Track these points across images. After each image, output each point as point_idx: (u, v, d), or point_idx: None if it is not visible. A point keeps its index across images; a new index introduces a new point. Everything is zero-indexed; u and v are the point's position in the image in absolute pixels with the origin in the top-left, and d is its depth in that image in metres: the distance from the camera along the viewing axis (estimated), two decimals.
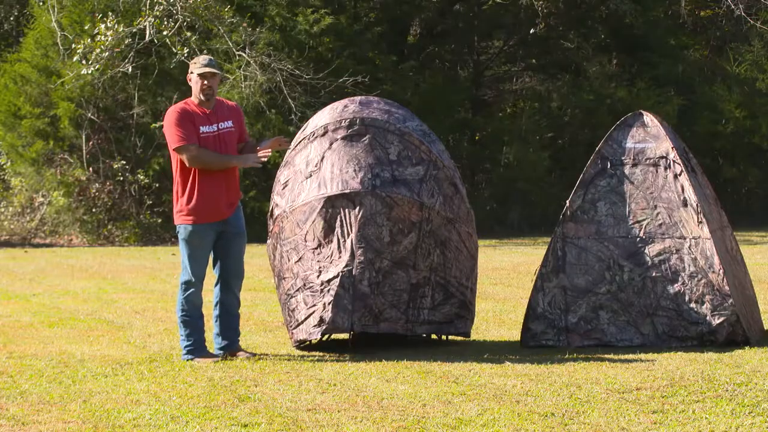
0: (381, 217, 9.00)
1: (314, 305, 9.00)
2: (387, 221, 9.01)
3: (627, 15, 27.47)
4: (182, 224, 8.88)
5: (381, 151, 9.14)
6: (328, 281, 8.95)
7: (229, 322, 9.07)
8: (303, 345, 9.45)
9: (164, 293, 13.85)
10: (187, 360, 8.81)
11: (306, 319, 9.05)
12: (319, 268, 9.01)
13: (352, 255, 8.95)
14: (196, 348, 8.88)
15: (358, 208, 8.97)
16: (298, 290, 9.10)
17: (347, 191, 8.97)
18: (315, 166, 9.18)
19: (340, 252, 8.99)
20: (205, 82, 8.84)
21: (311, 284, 9.02)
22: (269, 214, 9.52)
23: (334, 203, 8.99)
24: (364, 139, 9.18)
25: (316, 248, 9.05)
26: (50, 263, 18.71)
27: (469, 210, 9.48)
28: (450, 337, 9.72)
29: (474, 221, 9.61)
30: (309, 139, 9.31)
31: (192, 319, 8.90)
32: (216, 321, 9.07)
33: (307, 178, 9.19)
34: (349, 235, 8.97)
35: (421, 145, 9.26)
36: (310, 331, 9.03)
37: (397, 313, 9.05)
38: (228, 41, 23.18)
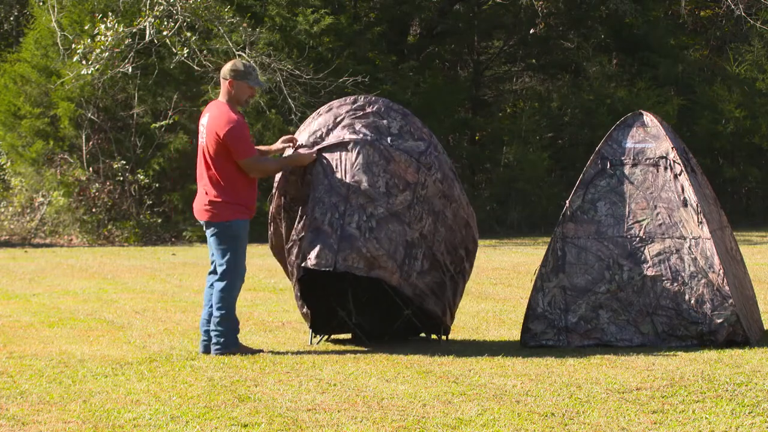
0: (377, 168, 9.10)
1: (302, 237, 9.06)
2: (383, 173, 9.11)
3: (627, 15, 27.45)
4: (238, 219, 9.09)
5: (384, 124, 9.28)
6: (318, 219, 8.99)
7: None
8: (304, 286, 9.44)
9: (164, 293, 13.85)
10: (222, 353, 8.99)
11: (297, 251, 9.11)
12: (314, 206, 9.06)
13: (345, 198, 9.00)
14: (233, 342, 9.12)
15: (354, 154, 9.08)
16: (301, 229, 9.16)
17: (345, 140, 9.13)
18: (319, 137, 9.30)
19: (331, 194, 9.04)
20: (252, 94, 9.25)
21: (308, 220, 9.12)
22: (271, 196, 9.54)
23: (332, 150, 9.12)
24: (368, 110, 9.32)
25: (315, 190, 9.11)
26: (50, 263, 18.71)
27: (469, 206, 9.54)
28: (447, 336, 9.76)
29: (475, 219, 9.63)
30: (314, 117, 9.48)
31: (234, 315, 9.18)
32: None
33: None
34: (342, 179, 9.05)
35: (424, 128, 9.42)
36: (295, 272, 9.16)
37: (393, 264, 9.07)
38: (228, 41, 23.18)
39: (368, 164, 9.09)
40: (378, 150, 9.13)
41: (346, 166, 9.10)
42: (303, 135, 9.40)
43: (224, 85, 9.19)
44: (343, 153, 9.13)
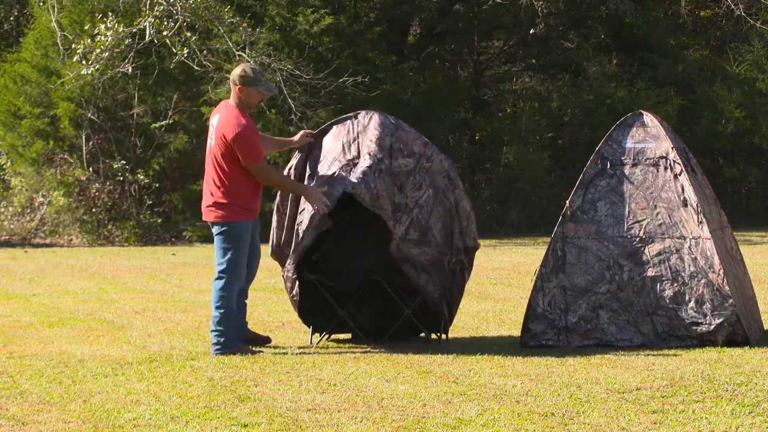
0: (387, 129, 9.38)
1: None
2: (391, 136, 9.38)
3: (627, 15, 27.44)
4: (241, 221, 9.18)
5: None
6: (335, 172, 9.27)
7: (242, 304, 9.57)
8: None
9: (164, 293, 13.85)
10: (222, 353, 9.02)
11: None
12: (328, 165, 9.33)
13: (358, 153, 9.31)
14: (233, 341, 9.14)
15: (366, 120, 9.45)
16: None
17: (357, 113, 9.57)
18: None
19: (343, 153, 9.35)
20: (263, 99, 9.38)
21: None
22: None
23: (342, 121, 9.52)
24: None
25: (330, 154, 9.39)
26: (50, 263, 18.70)
27: (472, 210, 9.61)
28: (444, 335, 9.77)
29: (474, 220, 9.67)
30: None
31: (233, 314, 9.22)
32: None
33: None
34: (355, 139, 9.35)
35: (431, 144, 9.70)
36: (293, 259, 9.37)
37: (390, 209, 9.25)
38: (228, 41, 23.16)
39: (377, 125, 9.39)
40: (387, 119, 9.48)
41: (357, 128, 9.44)
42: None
43: (233, 91, 9.30)
44: (354, 120, 9.51)
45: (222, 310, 9.12)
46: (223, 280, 9.18)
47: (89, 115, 24.81)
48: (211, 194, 9.23)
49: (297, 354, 9.15)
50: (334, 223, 9.49)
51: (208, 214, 9.27)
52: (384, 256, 9.61)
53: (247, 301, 9.69)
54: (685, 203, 9.28)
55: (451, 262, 9.49)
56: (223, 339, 9.09)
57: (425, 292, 9.37)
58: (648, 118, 9.57)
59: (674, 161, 9.37)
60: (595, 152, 9.53)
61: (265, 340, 9.62)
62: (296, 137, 9.65)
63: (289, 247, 9.48)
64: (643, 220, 9.33)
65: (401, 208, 9.33)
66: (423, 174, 9.41)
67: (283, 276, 9.66)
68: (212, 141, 9.25)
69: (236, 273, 9.21)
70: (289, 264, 9.45)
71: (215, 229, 9.24)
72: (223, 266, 9.18)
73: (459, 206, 9.52)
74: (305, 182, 9.37)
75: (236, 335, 9.22)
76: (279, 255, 9.67)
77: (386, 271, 9.68)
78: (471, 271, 9.78)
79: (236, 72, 9.29)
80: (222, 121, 9.20)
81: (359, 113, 9.53)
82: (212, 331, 9.16)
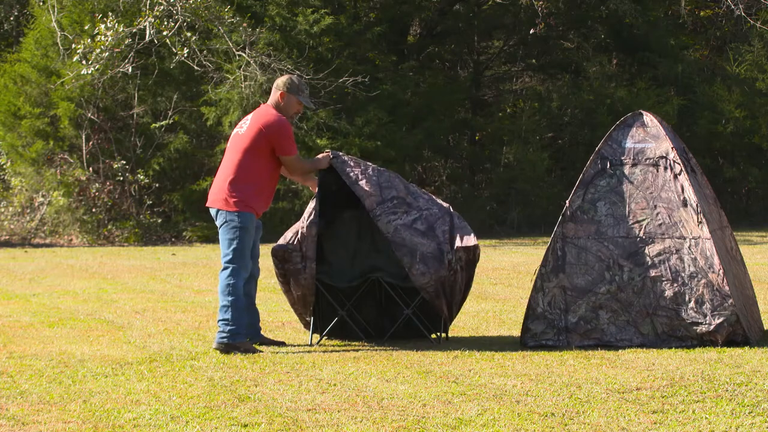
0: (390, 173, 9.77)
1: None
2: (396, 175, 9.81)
3: (627, 15, 27.44)
4: (245, 212, 9.30)
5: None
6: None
7: (254, 311, 9.62)
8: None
9: (164, 293, 13.86)
10: (228, 342, 9.12)
11: None
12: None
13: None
14: (240, 334, 9.19)
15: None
16: None
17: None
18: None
19: (351, 161, 9.68)
20: (299, 110, 9.62)
21: None
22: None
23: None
24: None
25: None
26: (50, 263, 18.71)
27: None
28: (444, 334, 9.78)
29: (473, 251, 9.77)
30: None
31: (241, 303, 9.26)
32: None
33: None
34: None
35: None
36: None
37: (374, 191, 9.52)
38: (228, 41, 23.17)
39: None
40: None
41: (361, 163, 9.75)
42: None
43: (275, 95, 9.54)
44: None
45: (230, 298, 9.20)
46: (229, 269, 9.27)
47: (89, 115, 24.82)
48: (223, 183, 9.37)
49: (297, 354, 9.15)
50: (334, 223, 9.50)
51: (215, 202, 9.38)
52: (384, 256, 9.63)
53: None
54: (684, 203, 9.28)
55: (452, 261, 9.50)
56: (229, 328, 9.16)
57: (419, 285, 9.36)
58: (648, 118, 9.57)
59: (674, 161, 9.36)
60: (595, 152, 9.53)
61: (279, 345, 9.65)
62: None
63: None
64: (643, 220, 9.33)
65: (406, 201, 9.52)
66: (431, 201, 9.72)
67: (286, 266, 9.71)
68: (242, 129, 9.44)
69: (242, 262, 9.28)
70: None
71: (220, 219, 9.33)
72: (229, 256, 9.27)
73: (461, 223, 9.67)
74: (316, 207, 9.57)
75: (243, 326, 9.25)
76: (280, 251, 9.69)
77: (386, 271, 9.70)
78: (473, 274, 9.78)
79: (282, 79, 9.58)
80: (260, 114, 9.45)
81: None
82: (220, 320, 9.22)
